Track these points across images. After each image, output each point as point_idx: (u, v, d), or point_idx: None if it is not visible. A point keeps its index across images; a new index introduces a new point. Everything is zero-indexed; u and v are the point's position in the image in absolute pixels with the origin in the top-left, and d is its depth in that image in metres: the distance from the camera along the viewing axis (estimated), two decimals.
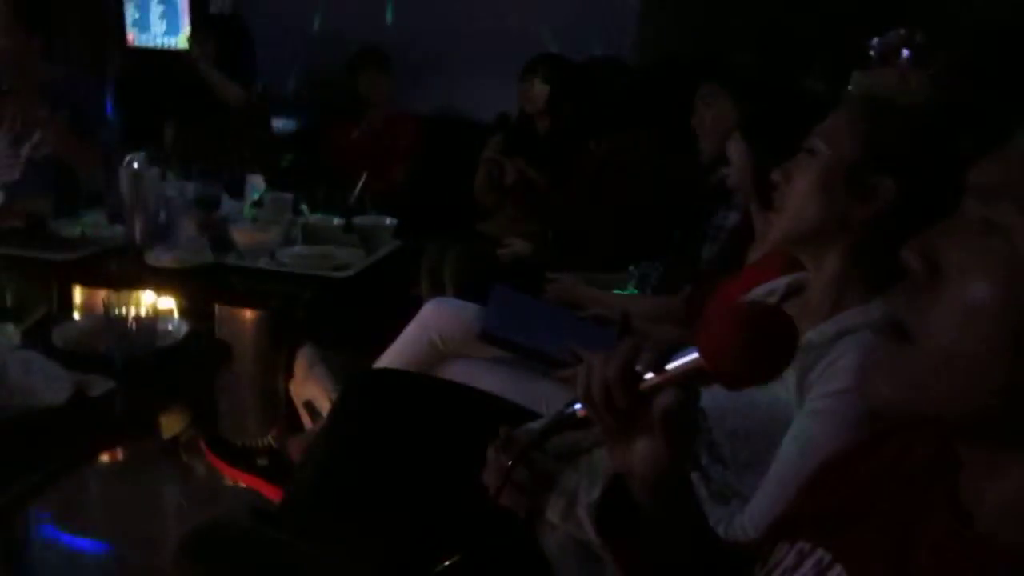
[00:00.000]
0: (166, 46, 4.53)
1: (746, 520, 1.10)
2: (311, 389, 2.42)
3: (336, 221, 2.65)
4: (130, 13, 4.52)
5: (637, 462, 0.80)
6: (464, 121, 4.04)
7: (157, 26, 4.53)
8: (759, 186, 1.72)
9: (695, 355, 0.75)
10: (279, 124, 4.13)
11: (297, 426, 2.41)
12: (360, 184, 2.92)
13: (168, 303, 2.57)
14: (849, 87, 2.56)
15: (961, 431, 0.61)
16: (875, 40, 2.63)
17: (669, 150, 2.66)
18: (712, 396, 1.22)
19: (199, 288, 2.27)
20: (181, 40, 4.50)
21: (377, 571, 1.14)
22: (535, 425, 1.34)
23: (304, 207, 2.74)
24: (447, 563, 1.18)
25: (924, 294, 0.58)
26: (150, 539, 2.09)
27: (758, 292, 1.44)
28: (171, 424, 2.69)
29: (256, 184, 2.95)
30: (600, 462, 1.25)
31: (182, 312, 2.62)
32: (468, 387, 1.71)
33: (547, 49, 3.70)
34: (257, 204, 2.80)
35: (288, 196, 2.78)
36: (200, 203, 2.60)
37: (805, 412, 1.11)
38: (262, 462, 2.19)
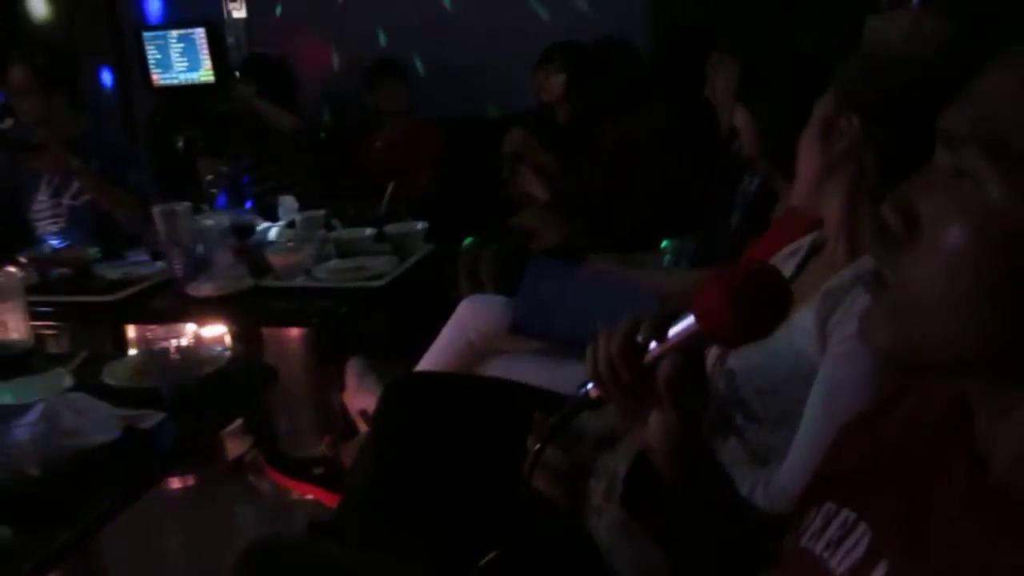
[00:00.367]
0: (188, 82, 4.64)
1: (783, 478, 1.11)
2: (364, 399, 2.48)
3: (368, 232, 2.69)
4: (151, 54, 4.64)
5: (653, 435, 0.82)
6: (485, 119, 4.06)
7: (179, 64, 4.64)
8: (770, 152, 1.71)
9: (691, 320, 0.76)
10: None
11: (352, 435, 2.47)
12: (388, 193, 2.97)
13: (219, 330, 2.66)
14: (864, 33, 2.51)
15: (963, 375, 0.62)
16: None
17: (687, 122, 2.65)
18: (738, 355, 1.23)
19: (242, 313, 2.34)
20: (202, 75, 4.61)
21: (424, 570, 1.16)
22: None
23: (335, 222, 2.79)
24: (489, 557, 1.21)
25: (904, 246, 0.58)
26: (224, 560, 2.15)
27: (784, 252, 1.44)
28: (236, 446, 2.79)
29: (288, 205, 3.02)
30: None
31: (234, 337, 2.72)
32: (507, 381, 1.73)
33: (560, 37, 3.70)
34: (290, 225, 2.87)
35: (319, 213, 2.84)
36: (235, 231, 2.67)
37: (828, 358, 1.12)
38: (318, 471, 2.24)
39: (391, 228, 2.70)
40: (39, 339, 2.31)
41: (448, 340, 2.08)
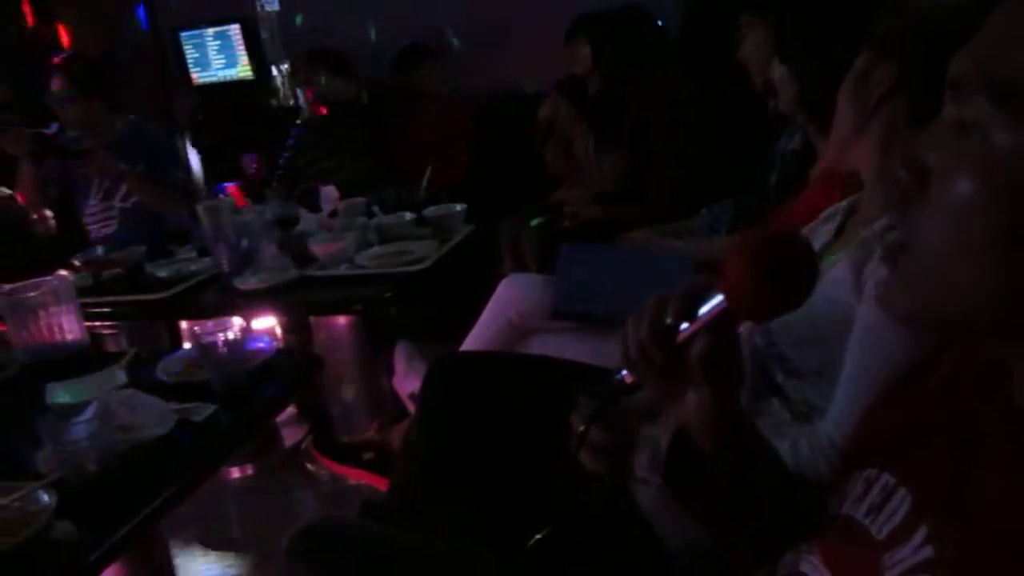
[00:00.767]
0: (226, 79, 4.71)
1: (830, 426, 1.10)
2: (413, 381, 2.50)
3: (408, 217, 2.71)
4: (189, 54, 4.71)
5: (691, 414, 0.81)
6: (520, 96, 4.04)
7: (216, 62, 4.71)
8: (809, 108, 1.69)
9: (720, 297, 0.75)
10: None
11: (402, 419, 2.50)
12: (426, 177, 2.98)
13: (269, 322, 2.71)
14: None
15: (982, 334, 0.61)
16: None
17: (717, 86, 2.60)
18: None
19: (289, 304, 2.37)
20: (240, 71, 4.67)
21: (473, 550, 1.18)
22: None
23: (376, 209, 2.82)
24: (538, 536, 1.21)
25: (916, 202, 0.58)
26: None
27: (821, 216, 1.43)
28: (292, 435, 2.86)
29: (329, 195, 3.05)
30: None
31: (283, 328, 2.77)
32: (549, 358, 1.73)
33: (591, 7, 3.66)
34: (333, 214, 2.90)
35: (360, 201, 2.87)
36: (278, 223, 2.71)
37: (865, 305, 1.10)
38: (368, 456, 2.27)
39: (431, 211, 2.71)
40: (97, 339, 2.39)
41: (489, 320, 2.09)
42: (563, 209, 3.21)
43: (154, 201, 3.04)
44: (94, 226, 3.16)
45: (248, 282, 2.34)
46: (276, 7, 4.67)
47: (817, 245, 1.27)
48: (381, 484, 2.22)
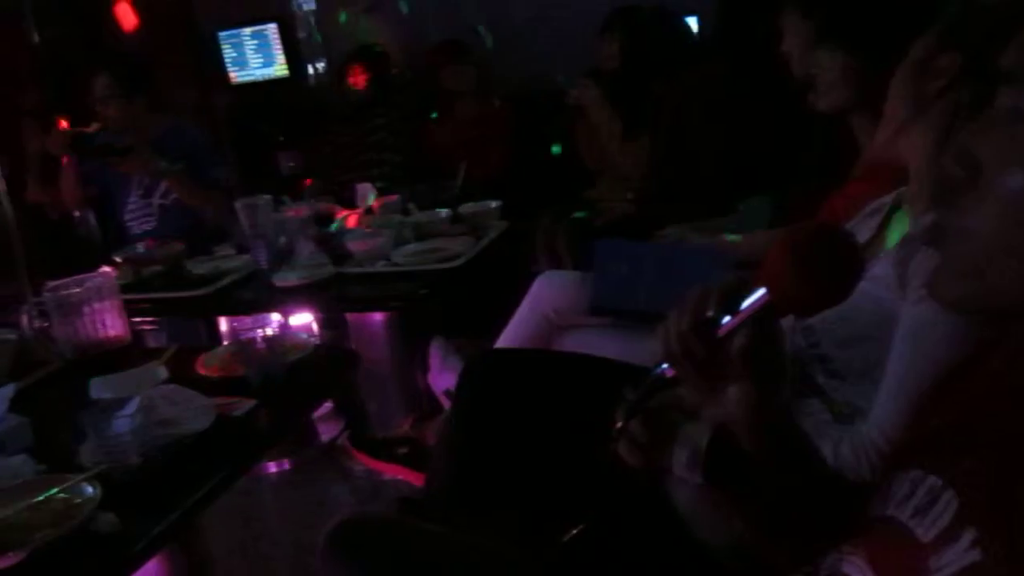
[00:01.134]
0: (263, 78, 4.76)
1: (873, 429, 1.08)
2: (448, 378, 2.51)
3: (443, 214, 2.71)
4: (227, 53, 4.77)
5: (732, 409, 0.80)
6: (554, 92, 4.03)
7: (254, 61, 4.76)
8: (859, 98, 1.65)
9: (762, 291, 0.74)
10: None
11: (435, 414, 2.51)
12: (461, 174, 2.99)
13: (306, 318, 2.74)
14: None
15: None
16: None
17: (755, 81, 2.57)
18: None
19: (326, 300, 2.39)
20: (276, 70, 4.72)
21: (509, 546, 1.18)
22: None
23: (411, 206, 2.83)
24: (574, 532, 1.21)
25: (966, 194, 0.57)
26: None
27: (866, 210, 1.40)
28: (328, 430, 2.88)
29: (365, 192, 3.07)
30: None
31: (320, 324, 2.79)
32: (585, 355, 1.73)
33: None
34: (369, 211, 2.92)
35: (395, 198, 2.88)
36: (315, 220, 2.73)
37: (910, 302, 1.08)
38: (402, 451, 2.28)
39: (466, 208, 2.72)
40: (138, 335, 2.42)
41: (524, 317, 2.08)
42: (597, 205, 3.19)
43: (193, 199, 3.08)
44: (133, 223, 3.21)
45: (286, 279, 2.36)
46: (313, 6, 4.71)
47: (861, 239, 1.25)
48: (415, 479, 2.23)
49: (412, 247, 2.52)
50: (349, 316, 2.67)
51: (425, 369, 2.67)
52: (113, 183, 3.21)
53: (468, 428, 1.59)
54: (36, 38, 4.03)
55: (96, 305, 1.81)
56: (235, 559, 2.32)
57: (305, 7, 4.73)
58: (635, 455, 0.99)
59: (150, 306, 2.46)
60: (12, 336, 1.86)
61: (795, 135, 2.20)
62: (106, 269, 2.35)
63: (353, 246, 2.48)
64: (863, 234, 1.27)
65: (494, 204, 2.75)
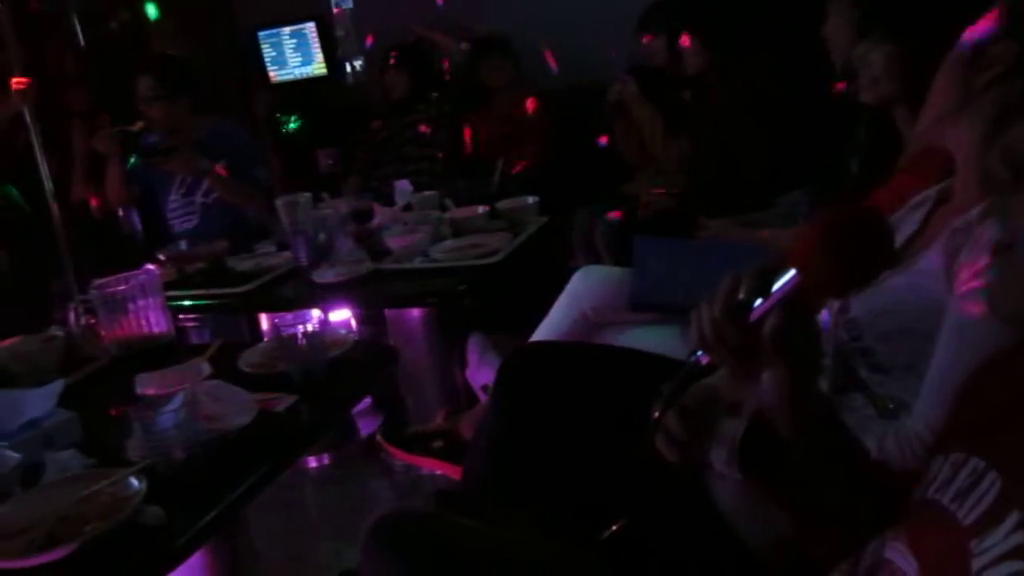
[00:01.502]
0: (302, 76, 4.80)
1: (919, 424, 1.06)
2: (486, 374, 2.52)
3: (481, 210, 2.72)
4: (267, 52, 4.82)
5: (767, 395, 0.80)
6: (591, 87, 4.01)
7: (293, 60, 4.80)
8: (908, 87, 1.61)
9: (792, 272, 0.74)
10: None
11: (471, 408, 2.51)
12: (498, 170, 2.99)
13: (345, 314, 2.76)
14: None
15: None
16: None
17: (799, 72, 2.53)
18: (859, 303, 1.19)
19: (365, 297, 2.41)
20: (315, 68, 4.76)
21: (548, 542, 1.18)
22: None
23: (449, 202, 2.84)
24: (613, 528, 1.21)
25: (1015, 196, 0.55)
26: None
27: (910, 203, 1.38)
28: (367, 425, 2.91)
29: (403, 189, 3.08)
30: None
31: (359, 320, 2.81)
32: (625, 349, 1.72)
33: None
34: (407, 208, 2.93)
35: (433, 195, 2.89)
36: (354, 217, 2.76)
37: (957, 295, 1.06)
38: (437, 444, 2.29)
39: (503, 204, 2.72)
40: (181, 331, 2.46)
41: (562, 312, 2.08)
42: (636, 200, 3.17)
43: (235, 198, 3.12)
44: (175, 221, 3.27)
45: (325, 275, 2.39)
46: (350, 5, 4.74)
47: (905, 233, 1.23)
48: (452, 472, 2.24)
49: (450, 243, 2.53)
50: (387, 312, 2.69)
51: (463, 365, 2.68)
52: (156, 182, 3.27)
53: (507, 423, 1.59)
54: (82, 41, 4.11)
55: (141, 302, 1.85)
56: (277, 552, 2.35)
57: (343, 6, 4.76)
58: (672, 451, 0.99)
59: (193, 303, 2.51)
60: (60, 333, 1.90)
61: (838, 128, 2.16)
62: (150, 267, 2.39)
63: (391, 242, 2.49)
64: (908, 227, 1.25)
65: (531, 200, 2.74)
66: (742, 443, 0.87)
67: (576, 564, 1.18)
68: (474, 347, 2.66)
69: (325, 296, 2.36)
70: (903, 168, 1.73)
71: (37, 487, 1.26)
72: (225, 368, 1.66)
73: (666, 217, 2.84)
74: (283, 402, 1.50)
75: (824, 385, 1.19)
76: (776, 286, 0.75)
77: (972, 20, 1.18)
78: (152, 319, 1.86)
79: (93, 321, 1.92)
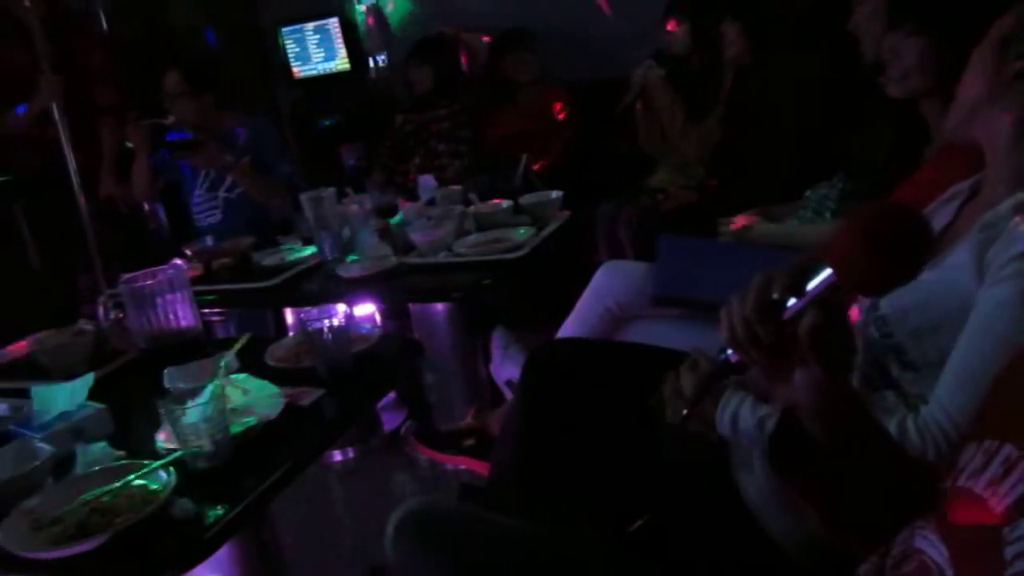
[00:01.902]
0: (326, 72, 4.82)
1: (939, 414, 1.04)
2: (510, 369, 2.52)
3: (504, 205, 2.71)
4: (290, 48, 4.84)
5: (799, 393, 0.79)
6: (615, 81, 4.00)
7: (316, 56, 4.82)
8: (941, 80, 1.59)
9: (829, 271, 0.73)
10: None
11: (498, 405, 2.51)
12: (522, 164, 2.98)
13: (369, 309, 2.77)
14: None
15: None
16: None
17: (828, 63, 2.50)
18: (889, 299, 1.17)
19: (389, 291, 2.41)
20: (338, 64, 4.77)
21: (575, 535, 1.18)
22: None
23: (472, 197, 2.83)
24: (640, 522, 1.20)
25: None
26: (384, 528, 2.26)
27: (942, 197, 1.36)
28: (391, 420, 2.91)
29: (427, 184, 3.09)
30: None
31: (383, 315, 2.82)
32: (649, 346, 1.71)
33: None
34: (431, 203, 2.93)
35: (456, 189, 2.89)
36: (379, 212, 2.76)
37: (988, 285, 1.04)
38: (469, 442, 2.29)
39: (527, 199, 2.71)
40: (207, 326, 2.48)
41: (587, 308, 2.07)
42: (660, 194, 3.16)
43: (260, 193, 3.14)
44: (199, 216, 3.29)
45: (350, 270, 2.39)
46: (373, 0, 4.75)
47: (937, 227, 1.21)
48: (483, 468, 2.24)
49: (474, 238, 2.53)
50: (412, 307, 2.70)
51: (487, 359, 2.68)
52: (181, 176, 3.30)
53: (532, 418, 1.59)
54: (109, 38, 4.15)
55: (168, 296, 1.86)
56: (302, 545, 2.37)
57: (366, 1, 4.77)
58: (677, 405, 0.98)
59: (219, 297, 2.52)
60: (90, 327, 1.92)
61: (868, 120, 2.14)
62: (177, 262, 2.41)
63: (416, 237, 2.49)
64: (940, 220, 1.23)
65: (555, 194, 2.73)
66: (773, 441, 0.86)
67: (604, 558, 1.18)
68: (498, 342, 2.66)
69: (350, 291, 2.36)
70: (929, 162, 1.71)
71: (68, 479, 1.28)
72: (252, 362, 1.68)
73: (689, 210, 2.83)
74: (309, 396, 1.51)
75: (855, 382, 1.18)
76: (811, 285, 0.74)
77: (1003, 10, 1.16)
78: (180, 313, 1.87)
79: (122, 315, 1.94)
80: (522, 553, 1.10)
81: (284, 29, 4.84)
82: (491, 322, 2.73)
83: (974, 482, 0.68)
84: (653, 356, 1.68)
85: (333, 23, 4.75)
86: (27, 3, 3.01)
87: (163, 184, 3.35)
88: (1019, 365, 0.78)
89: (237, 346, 1.65)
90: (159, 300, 1.85)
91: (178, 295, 1.88)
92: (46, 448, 1.33)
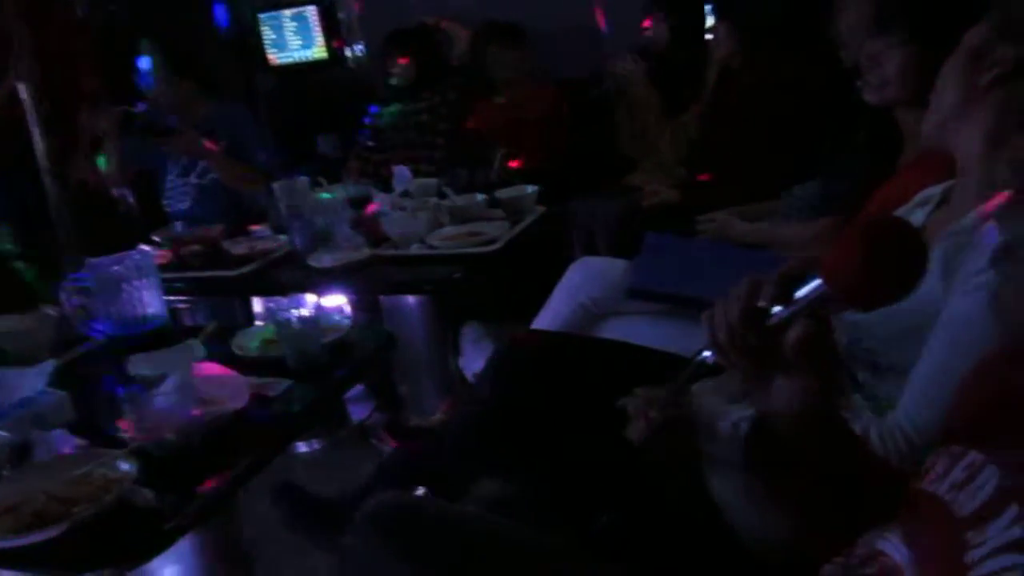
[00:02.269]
0: (303, 60, 4.77)
1: (903, 422, 1.05)
2: (479, 363, 2.50)
3: (480, 198, 2.70)
4: (267, 35, 4.79)
5: (776, 401, 0.79)
6: (596, 79, 3.99)
7: (293, 43, 4.77)
8: (919, 86, 1.60)
9: (819, 281, 0.72)
10: None
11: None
12: (498, 158, 2.97)
13: (339, 300, 2.74)
14: None
15: None
16: None
17: (807, 65, 2.51)
18: None
19: (361, 283, 2.39)
20: (316, 52, 4.72)
21: (540, 531, 1.17)
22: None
23: (448, 190, 2.82)
24: (604, 521, 1.20)
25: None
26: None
27: (915, 200, 1.37)
28: (358, 412, 2.90)
29: (402, 175, 3.06)
30: None
31: (353, 307, 2.79)
32: (621, 342, 1.71)
33: None
34: (406, 194, 2.91)
35: (432, 182, 2.87)
36: (352, 203, 2.73)
37: (954, 296, 1.05)
38: None
39: (503, 193, 2.70)
40: (175, 313, 2.44)
41: (559, 303, 2.06)
42: (639, 191, 3.16)
43: (235, 180, 3.09)
44: (170, 201, 3.25)
45: (322, 260, 2.37)
46: None
47: None
48: None
49: (448, 230, 2.51)
50: (383, 299, 2.68)
51: (459, 353, 2.67)
52: (153, 161, 3.25)
53: (499, 409, 1.58)
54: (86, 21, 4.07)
55: (135, 283, 1.83)
56: (268, 537, 2.34)
57: None
58: (673, 445, 0.98)
59: (187, 285, 2.49)
60: (53, 312, 1.88)
61: (846, 122, 2.15)
62: (145, 248, 2.37)
63: (389, 228, 2.47)
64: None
65: (531, 189, 2.72)
66: (748, 442, 0.86)
67: (569, 552, 1.17)
68: (468, 336, 2.65)
69: (321, 281, 2.34)
70: (906, 166, 1.72)
71: (26, 466, 1.25)
72: (219, 351, 1.65)
73: (669, 209, 2.83)
74: (277, 386, 1.49)
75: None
76: (800, 294, 0.73)
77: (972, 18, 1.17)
78: (146, 299, 1.84)
79: (87, 301, 1.90)
80: (490, 548, 1.09)
81: (262, 15, 4.78)
82: (463, 315, 2.72)
83: (938, 486, 0.68)
84: (626, 353, 1.68)
85: (311, 11, 4.70)
86: None
87: (134, 170, 3.29)
88: (985, 374, 0.78)
89: (203, 335, 1.62)
90: (125, 286, 1.82)
91: (145, 282, 1.84)
92: (4, 435, 1.30)
